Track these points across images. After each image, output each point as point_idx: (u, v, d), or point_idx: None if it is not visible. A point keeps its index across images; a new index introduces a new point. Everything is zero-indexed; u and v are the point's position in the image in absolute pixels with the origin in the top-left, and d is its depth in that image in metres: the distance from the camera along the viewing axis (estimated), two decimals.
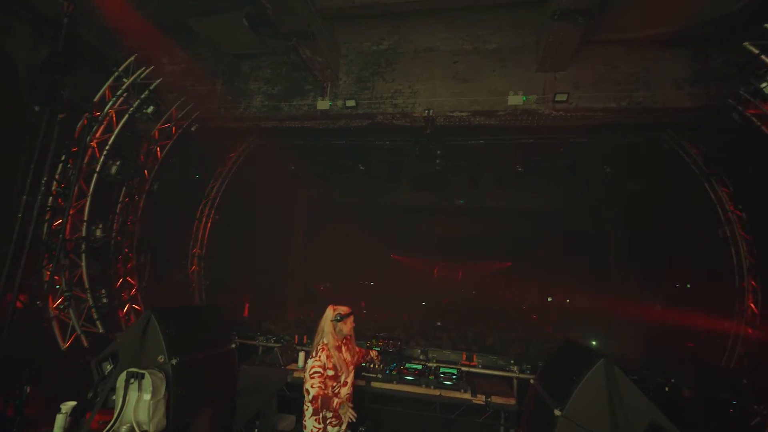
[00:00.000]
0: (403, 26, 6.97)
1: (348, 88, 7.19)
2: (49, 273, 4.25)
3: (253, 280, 11.86)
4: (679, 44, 5.97)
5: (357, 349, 3.31)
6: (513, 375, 4.05)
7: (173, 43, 7.55)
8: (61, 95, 4.13)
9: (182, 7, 6.31)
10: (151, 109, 5.14)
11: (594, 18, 5.26)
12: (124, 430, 2.54)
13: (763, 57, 4.51)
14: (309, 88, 7.38)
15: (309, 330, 5.91)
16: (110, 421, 2.56)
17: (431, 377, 3.51)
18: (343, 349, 3.11)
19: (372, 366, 3.70)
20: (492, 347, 8.62)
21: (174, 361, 2.84)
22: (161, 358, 2.81)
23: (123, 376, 2.64)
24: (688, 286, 9.16)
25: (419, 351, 4.47)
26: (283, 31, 5.99)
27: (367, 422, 3.35)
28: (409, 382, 3.60)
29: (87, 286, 4.70)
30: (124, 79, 4.99)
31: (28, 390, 3.89)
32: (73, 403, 2.70)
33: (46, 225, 4.26)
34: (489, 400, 3.30)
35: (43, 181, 4.02)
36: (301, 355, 4.07)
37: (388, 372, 3.63)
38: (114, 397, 2.65)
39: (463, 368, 3.96)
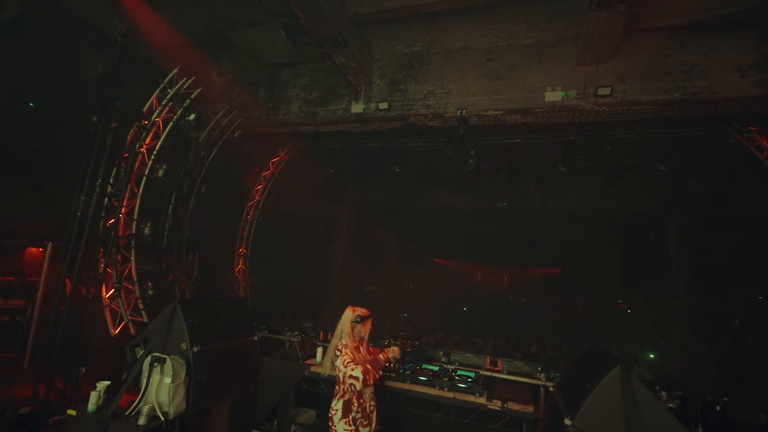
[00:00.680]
0: (435, 27, 6.92)
1: (381, 91, 7.27)
2: (102, 266, 4.74)
3: (295, 281, 12.28)
4: (740, 27, 5.36)
5: (370, 349, 3.32)
6: (539, 383, 3.83)
7: (221, 57, 8.12)
8: (115, 106, 4.58)
9: (225, 22, 6.76)
10: (192, 116, 5.57)
11: (637, 5, 4.88)
12: (146, 409, 2.75)
13: None
14: (343, 92, 7.56)
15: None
16: (135, 400, 2.78)
17: (445, 379, 3.42)
18: (361, 349, 3.13)
19: (389, 365, 3.69)
20: (536, 356, 8.22)
21: (195, 349, 3.02)
22: (184, 345, 3.01)
23: (148, 360, 2.86)
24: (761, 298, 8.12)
25: (441, 353, 4.38)
26: (316, 38, 6.20)
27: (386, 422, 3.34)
28: (422, 383, 3.53)
29: (135, 279, 5.18)
30: (169, 90, 5.45)
31: (83, 371, 4.33)
32: (107, 383, 2.97)
33: (101, 223, 4.77)
34: (505, 406, 3.15)
35: (98, 183, 4.50)
36: (319, 350, 4.15)
37: (402, 371, 3.60)
38: (140, 379, 2.88)
39: (485, 373, 3.82)
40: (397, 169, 9.18)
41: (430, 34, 7.00)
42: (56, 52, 6.49)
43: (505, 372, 4.05)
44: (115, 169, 4.89)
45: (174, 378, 2.81)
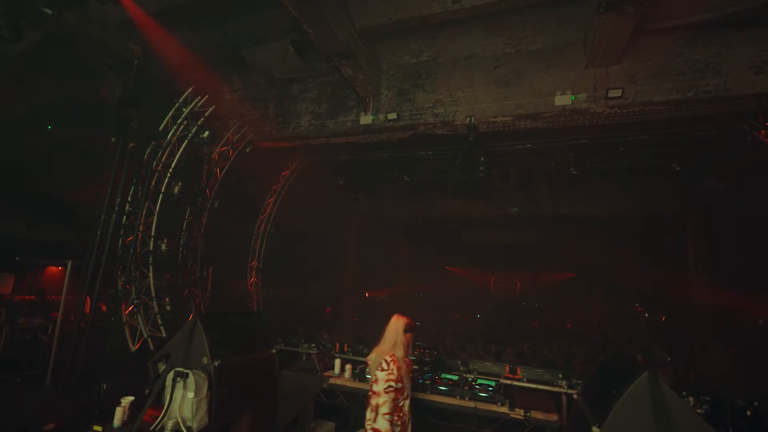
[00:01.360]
0: (442, 36, 6.99)
1: (389, 101, 7.34)
2: (122, 283, 4.82)
3: (308, 293, 12.30)
4: (753, 24, 5.31)
5: (407, 360, 3.26)
6: (561, 390, 3.75)
7: (232, 74, 8.29)
8: (132, 126, 4.69)
9: (236, 39, 6.93)
10: (206, 134, 5.68)
11: (645, 5, 4.88)
12: (170, 424, 2.76)
13: None
14: (352, 104, 7.65)
15: (360, 342, 6.01)
16: (159, 415, 2.80)
17: (466, 388, 3.37)
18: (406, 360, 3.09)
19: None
20: (553, 361, 8.08)
21: (216, 363, 3.04)
22: (205, 360, 3.02)
23: (171, 375, 2.89)
24: None
25: (459, 362, 4.32)
26: (324, 52, 6.31)
27: None
28: (442, 393, 3.48)
29: (153, 294, 5.25)
30: (183, 109, 5.58)
31: (105, 387, 4.38)
32: (131, 398, 3.00)
33: (120, 240, 4.86)
34: (528, 414, 3.08)
35: (117, 202, 4.61)
36: (337, 362, 4.14)
37: (421, 381, 3.56)
38: (164, 394, 2.90)
39: (505, 381, 3.75)
40: (407, 178, 9.21)
41: (437, 43, 7.06)
42: (73, 75, 6.71)
43: (525, 380, 3.97)
44: (132, 187, 5.01)
45: (197, 392, 2.83)
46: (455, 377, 3.63)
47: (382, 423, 2.86)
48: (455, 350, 8.48)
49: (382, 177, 9.28)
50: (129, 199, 4.92)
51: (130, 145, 4.65)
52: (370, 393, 2.94)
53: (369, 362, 3.09)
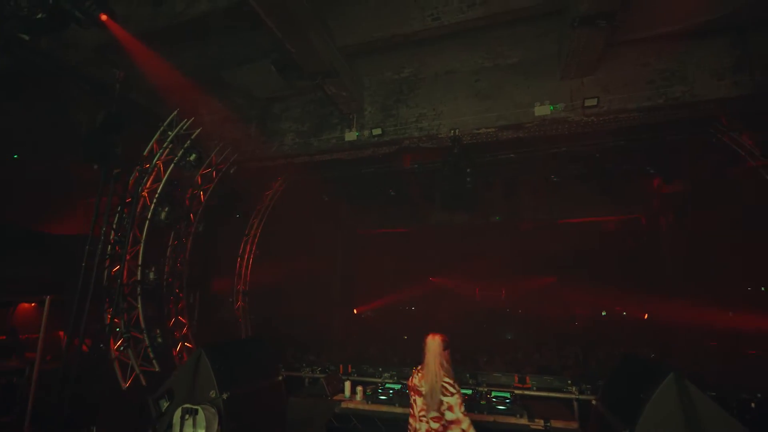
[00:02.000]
0: (422, 53, 7.13)
1: (373, 117, 7.39)
2: (109, 317, 4.56)
3: (297, 312, 12.02)
4: (714, 33, 5.71)
5: None
6: (572, 396, 3.77)
7: (211, 96, 8.13)
8: (115, 152, 4.52)
9: (216, 61, 6.84)
10: (193, 156, 5.54)
11: (617, 20, 5.16)
12: None
13: None
14: (336, 122, 7.65)
15: (352, 360, 5.86)
16: None
17: (483, 402, 3.34)
18: None
19: None
20: (547, 367, 8.15)
21: (225, 396, 2.90)
22: (213, 393, 2.88)
23: (179, 412, 2.73)
24: (763, 289, 8.30)
25: (468, 375, 4.29)
26: (308, 71, 6.32)
27: None
28: None
29: (143, 326, 4.98)
30: (169, 132, 5.43)
31: (95, 430, 4.08)
32: None
33: (105, 272, 4.61)
34: (548, 424, 3.07)
35: (102, 231, 4.38)
36: (347, 384, 4.01)
37: None
38: None
39: (516, 391, 3.74)
40: (392, 192, 9.24)
41: (418, 59, 7.20)
42: (44, 101, 6.43)
43: (535, 388, 3.98)
44: (117, 215, 4.79)
45: (207, 428, 2.68)
46: (469, 391, 3.58)
47: None
48: (457, 362, 8.43)
49: (368, 192, 9.28)
50: (114, 226, 4.69)
51: (115, 171, 4.46)
52: (438, 426, 2.70)
53: (412, 386, 2.91)
